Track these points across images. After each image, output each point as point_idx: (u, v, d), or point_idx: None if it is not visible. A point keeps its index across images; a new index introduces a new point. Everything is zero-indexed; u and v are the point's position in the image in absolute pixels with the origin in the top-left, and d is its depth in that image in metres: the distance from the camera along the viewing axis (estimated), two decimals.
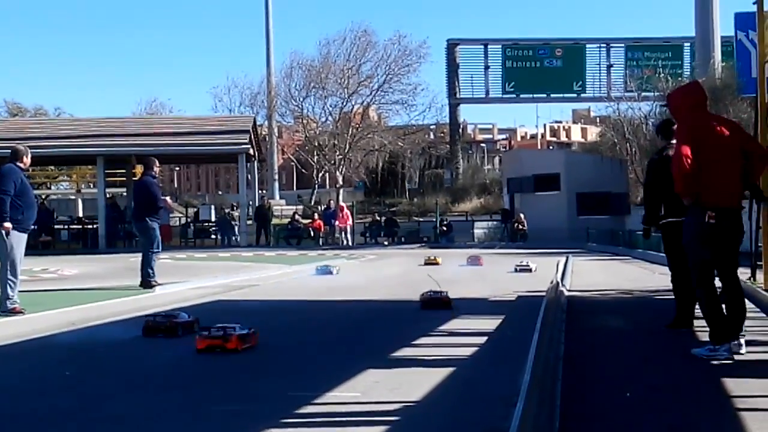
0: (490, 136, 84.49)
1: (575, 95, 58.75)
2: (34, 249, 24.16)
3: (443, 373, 6.52)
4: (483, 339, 8.28)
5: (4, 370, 7.07)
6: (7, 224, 9.98)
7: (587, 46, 57.79)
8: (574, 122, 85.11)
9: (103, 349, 8.06)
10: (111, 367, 7.15)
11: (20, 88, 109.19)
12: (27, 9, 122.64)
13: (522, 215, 35.33)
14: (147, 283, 13.70)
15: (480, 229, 39.05)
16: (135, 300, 12.24)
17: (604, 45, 57.89)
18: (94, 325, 9.52)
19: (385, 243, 35.35)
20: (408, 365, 6.94)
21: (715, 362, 6.72)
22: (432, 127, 60.65)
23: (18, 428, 5.19)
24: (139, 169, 14.08)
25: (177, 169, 74.29)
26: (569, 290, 12.60)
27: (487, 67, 57.56)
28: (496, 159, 74.32)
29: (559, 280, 13.00)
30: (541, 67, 56.84)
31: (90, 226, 35.63)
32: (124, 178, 38.02)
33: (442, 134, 62.68)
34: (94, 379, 6.63)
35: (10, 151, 10.75)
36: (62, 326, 9.31)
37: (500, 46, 57.47)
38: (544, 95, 58.85)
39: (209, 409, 5.52)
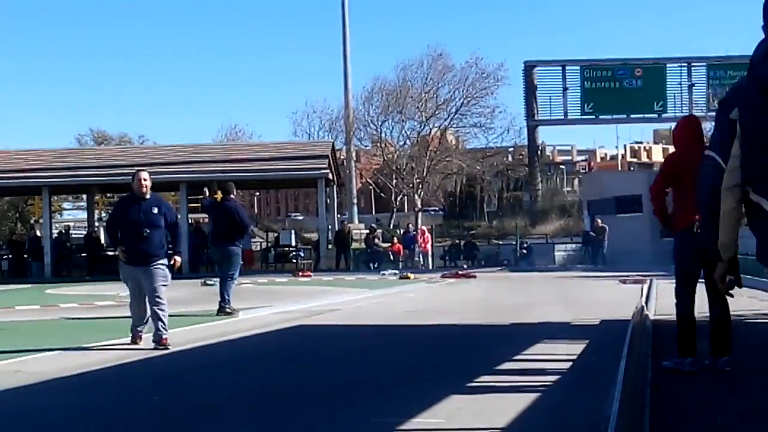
0: (569, 158, 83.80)
1: (656, 115, 57.88)
2: (118, 275, 24.59)
3: (528, 399, 6.44)
4: (567, 364, 8.17)
5: (96, 396, 7.19)
6: (178, 258, 10.36)
7: (668, 65, 56.98)
8: (656, 143, 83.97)
9: (188, 375, 8.16)
10: (196, 393, 7.22)
11: (105, 117, 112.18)
12: (110, 38, 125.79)
13: (599, 220, 34.60)
14: (222, 309, 13.80)
15: (560, 252, 38.66)
16: (217, 325, 12.41)
17: (685, 64, 57.00)
18: (178, 351, 9.64)
19: (465, 266, 35.20)
20: (491, 391, 6.88)
21: None
22: (510, 149, 60.41)
23: None
24: (219, 194, 14.34)
25: (257, 194, 75.20)
26: (654, 314, 12.37)
27: (565, 89, 57.12)
28: (576, 181, 73.61)
29: (643, 304, 12.79)
30: (621, 88, 56.19)
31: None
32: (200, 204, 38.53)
33: (520, 156, 62.37)
34: (179, 405, 6.70)
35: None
36: (148, 353, 9.45)
37: (578, 67, 57.00)
38: (624, 116, 58.15)
39: None
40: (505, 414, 5.88)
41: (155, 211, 9.99)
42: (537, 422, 5.82)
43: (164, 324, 9.79)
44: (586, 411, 6.05)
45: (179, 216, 9.92)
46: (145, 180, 10.08)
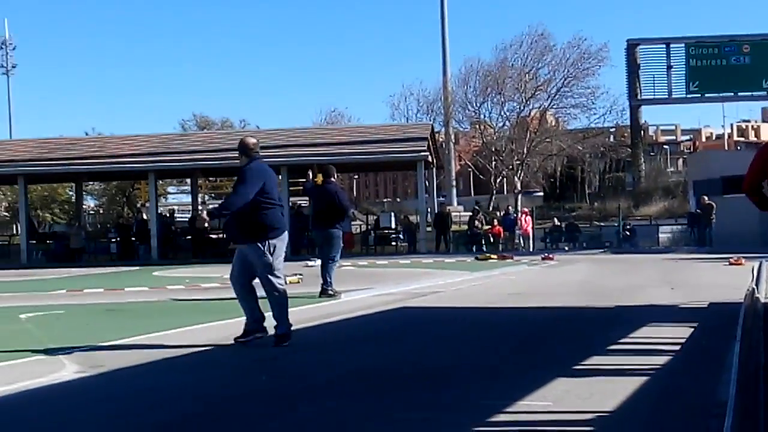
0: (673, 138, 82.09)
1: (765, 93, 56.17)
2: (223, 257, 25.06)
3: (636, 382, 6.32)
4: (676, 347, 8.00)
5: (206, 375, 7.32)
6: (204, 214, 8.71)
7: None
8: (764, 121, 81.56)
9: (293, 356, 8.23)
10: (301, 373, 7.29)
11: (208, 101, 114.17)
12: (212, 24, 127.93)
13: (706, 197, 33.60)
14: (324, 291, 13.89)
15: (665, 233, 37.85)
16: (320, 307, 12.53)
17: None
18: None
19: (566, 248, 34.79)
20: (598, 374, 6.76)
21: None
22: (612, 129, 59.40)
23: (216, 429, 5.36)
24: (320, 177, 14.40)
25: (356, 177, 75.62)
26: (765, 297, 12.02)
27: (669, 67, 55.85)
28: (680, 161, 72.15)
29: (754, 286, 12.44)
30: (728, 65, 54.67)
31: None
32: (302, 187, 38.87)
33: (623, 137, 61.32)
34: (285, 385, 6.77)
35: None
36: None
37: (683, 45, 55.66)
38: (731, 94, 56.63)
39: (397, 416, 5.53)
40: (614, 397, 5.78)
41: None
42: (647, 405, 5.70)
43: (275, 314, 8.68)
44: (698, 395, 5.91)
45: (247, 184, 8.58)
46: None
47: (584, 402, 5.72)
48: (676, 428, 5.17)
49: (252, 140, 9.09)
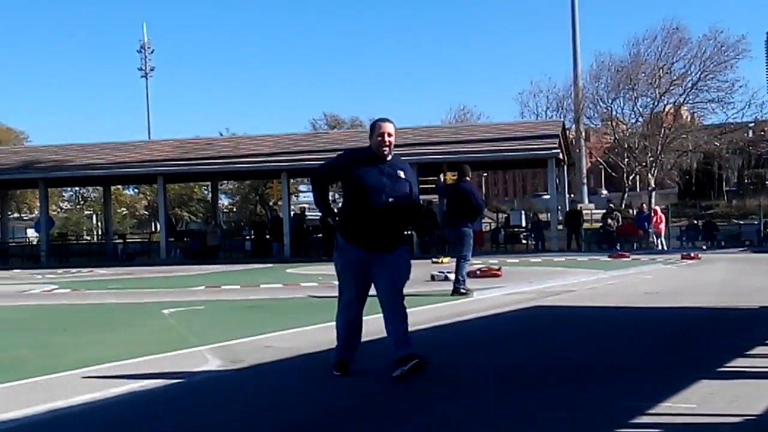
0: None
1: None
2: None
3: None
4: None
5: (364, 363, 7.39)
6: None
7: None
8: None
9: (429, 354, 8.24)
10: (438, 371, 7.29)
11: (338, 101, 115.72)
12: (344, 25, 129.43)
13: None
14: (457, 290, 13.89)
15: None
16: (453, 305, 12.54)
17: None
18: (417, 330, 9.75)
19: (704, 247, 33.84)
20: (744, 377, 6.56)
21: None
22: (751, 124, 57.46)
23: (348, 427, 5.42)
24: (450, 176, 14.38)
25: (485, 174, 75.36)
26: None
27: None
28: None
29: None
30: None
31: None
32: (434, 186, 38.94)
33: (762, 132, 59.22)
34: (423, 382, 6.78)
35: None
36: (382, 332, 9.61)
37: None
38: None
39: (539, 416, 5.48)
40: (761, 400, 5.60)
41: (402, 175, 6.92)
42: None
43: (408, 334, 7.08)
44: None
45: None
46: (389, 136, 6.84)
47: (730, 405, 5.56)
48: None
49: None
